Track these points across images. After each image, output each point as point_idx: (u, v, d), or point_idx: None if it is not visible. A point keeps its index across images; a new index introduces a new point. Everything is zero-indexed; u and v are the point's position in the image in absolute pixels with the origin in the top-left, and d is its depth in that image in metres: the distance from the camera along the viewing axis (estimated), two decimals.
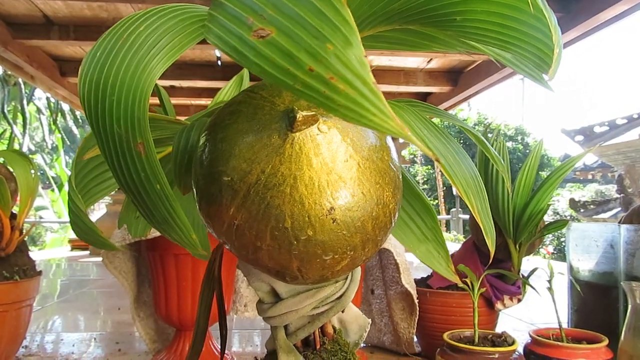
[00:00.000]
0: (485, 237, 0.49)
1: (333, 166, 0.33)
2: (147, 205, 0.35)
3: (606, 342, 0.92)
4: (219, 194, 0.34)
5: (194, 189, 0.38)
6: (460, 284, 0.91)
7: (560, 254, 8.91)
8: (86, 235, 0.43)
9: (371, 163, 0.34)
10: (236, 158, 0.33)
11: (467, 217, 10.87)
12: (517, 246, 1.09)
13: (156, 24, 0.36)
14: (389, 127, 0.25)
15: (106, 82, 0.35)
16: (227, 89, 0.86)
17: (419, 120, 0.48)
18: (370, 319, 0.54)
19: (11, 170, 1.10)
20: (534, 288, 0.99)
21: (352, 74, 0.25)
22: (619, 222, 1.13)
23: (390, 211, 0.35)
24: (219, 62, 2.87)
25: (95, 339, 1.44)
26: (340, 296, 0.47)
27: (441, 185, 13.09)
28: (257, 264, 0.35)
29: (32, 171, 1.11)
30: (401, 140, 4.82)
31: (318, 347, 0.48)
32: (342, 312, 0.51)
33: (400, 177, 0.38)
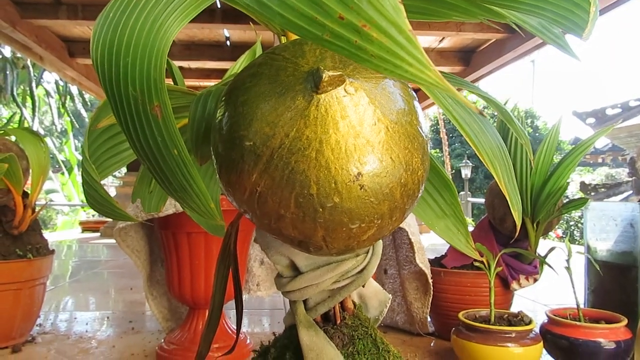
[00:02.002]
0: (512, 209, 0.47)
1: (360, 129, 0.31)
2: (163, 172, 0.34)
3: (625, 322, 0.90)
4: (241, 160, 0.32)
5: (213, 157, 0.36)
6: (480, 260, 0.90)
7: (569, 237, 8.86)
8: (101, 207, 0.41)
9: (400, 127, 0.32)
10: (258, 121, 0.32)
11: (475, 200, 10.85)
12: (535, 225, 1.07)
13: None
14: (427, 78, 0.23)
15: (120, 42, 0.33)
16: (240, 64, 0.84)
17: None
18: (390, 295, 0.52)
19: (23, 148, 1.09)
20: (551, 267, 0.97)
21: (387, 20, 0.23)
22: None
23: (418, 178, 0.34)
24: (228, 42, 2.84)
25: (108, 318, 1.45)
26: (362, 270, 0.46)
27: (449, 169, 13.02)
28: (279, 234, 0.34)
29: (43, 147, 1.10)
30: None
31: (338, 322, 0.47)
32: (363, 286, 0.50)
33: (429, 143, 0.37)
